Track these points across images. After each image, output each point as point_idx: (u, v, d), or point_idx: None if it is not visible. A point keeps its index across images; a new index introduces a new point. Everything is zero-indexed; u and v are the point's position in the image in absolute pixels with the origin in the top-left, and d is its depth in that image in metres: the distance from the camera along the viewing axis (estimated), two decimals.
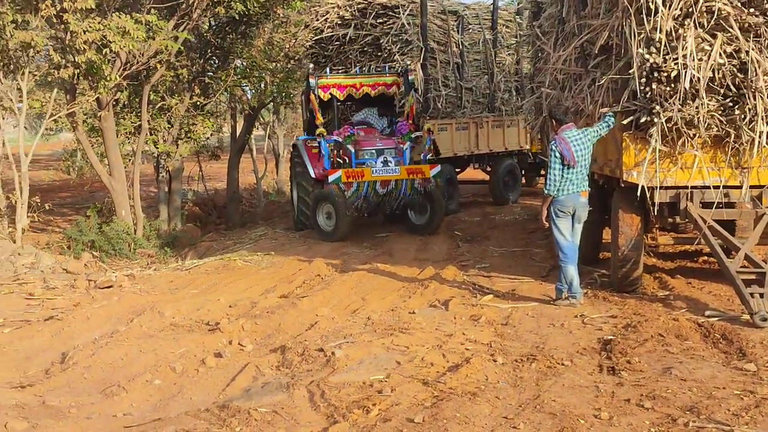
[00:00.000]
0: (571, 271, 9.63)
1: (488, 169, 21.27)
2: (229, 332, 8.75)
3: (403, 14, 18.21)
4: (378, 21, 18.57)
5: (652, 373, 7.00)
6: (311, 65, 17.43)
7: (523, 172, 22.58)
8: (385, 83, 16.82)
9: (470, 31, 19.99)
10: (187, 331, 8.98)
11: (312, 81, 16.17)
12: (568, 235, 9.66)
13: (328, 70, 17.69)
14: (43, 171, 35.26)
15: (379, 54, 18.47)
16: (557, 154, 9.41)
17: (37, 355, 8.45)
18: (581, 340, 8.19)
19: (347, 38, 18.82)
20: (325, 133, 15.49)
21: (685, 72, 8.80)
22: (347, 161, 15.42)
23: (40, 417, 6.41)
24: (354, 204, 15.45)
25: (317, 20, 19.34)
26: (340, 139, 15.71)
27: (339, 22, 19.02)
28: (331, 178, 15.07)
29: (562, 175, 9.43)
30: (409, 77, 16.37)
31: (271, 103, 22.73)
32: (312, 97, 16.04)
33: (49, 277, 12.36)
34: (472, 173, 22.27)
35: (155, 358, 8.03)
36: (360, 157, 15.54)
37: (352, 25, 18.80)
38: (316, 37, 19.29)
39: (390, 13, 18.45)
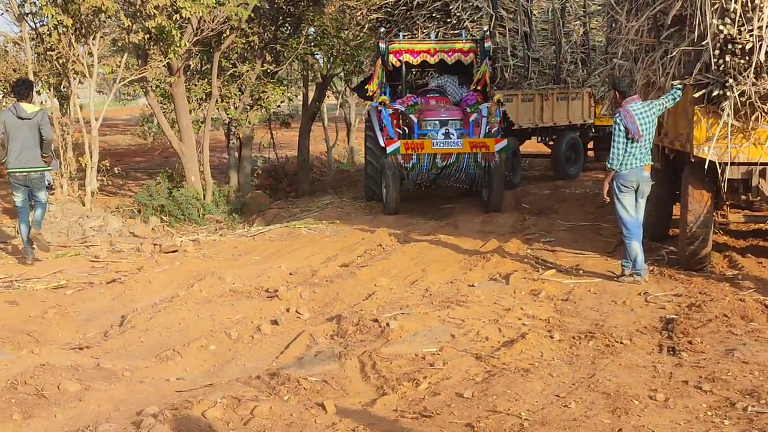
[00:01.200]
0: (635, 246, 9.40)
1: (550, 142, 20.78)
2: (287, 300, 8.76)
3: None
4: None
5: (714, 355, 6.79)
6: (382, 30, 16.84)
7: (592, 146, 22.17)
8: (462, 50, 16.04)
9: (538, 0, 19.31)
10: (246, 297, 9.01)
11: (382, 46, 15.73)
12: (632, 210, 9.43)
13: (400, 35, 17.17)
14: (120, 135, 35.89)
15: (448, 20, 17.76)
16: (622, 128, 9.16)
17: (97, 318, 8.59)
18: (642, 318, 7.99)
19: (414, 3, 18.00)
20: (387, 102, 14.97)
21: (761, 44, 8.49)
22: (407, 131, 14.86)
23: (93, 379, 6.48)
24: (413, 178, 14.94)
25: None
26: (403, 108, 15.12)
27: None
28: (389, 149, 14.43)
29: (626, 149, 9.20)
30: (485, 44, 15.69)
31: (343, 72, 22.64)
32: (378, 62, 15.60)
33: (116, 241, 12.55)
34: (532, 146, 21.82)
35: (212, 324, 8.08)
36: (423, 128, 14.88)
37: None
38: (382, 2, 18.49)
39: None
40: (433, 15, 17.96)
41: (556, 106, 19.54)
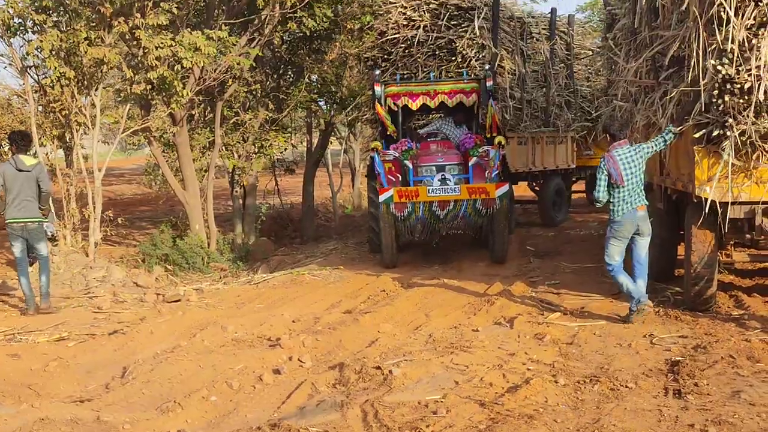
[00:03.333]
0: (623, 279, 9.47)
1: (536, 188, 20.40)
2: (290, 348, 8.71)
3: (479, 17, 16.83)
4: (452, 23, 17.13)
5: (720, 397, 6.71)
6: (378, 71, 16.00)
7: (585, 188, 22.21)
8: (463, 90, 15.20)
9: (532, 40, 18.82)
10: (248, 346, 8.97)
11: (378, 89, 14.96)
12: (617, 257, 9.53)
13: (398, 76, 16.56)
14: (125, 185, 36.01)
15: (453, 58, 17.04)
16: (605, 172, 9.34)
17: (98, 370, 8.52)
18: (648, 361, 7.91)
19: (415, 41, 17.18)
20: (380, 147, 14.23)
21: (759, 83, 8.48)
22: (400, 178, 14.07)
23: None
24: (409, 227, 14.07)
25: (377, 21, 17.87)
26: (397, 154, 14.34)
27: (404, 23, 17.38)
28: (382, 198, 13.51)
29: (612, 194, 9.34)
30: (488, 84, 14.87)
31: (346, 118, 22.67)
32: (378, 107, 14.89)
33: (119, 291, 12.53)
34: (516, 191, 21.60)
35: (213, 374, 8.02)
36: (419, 174, 14.03)
37: (421, 26, 17.17)
38: (381, 40, 17.65)
39: (466, 14, 17.06)
40: (436, 53, 17.26)
41: (545, 149, 19.13)
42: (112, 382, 8.07)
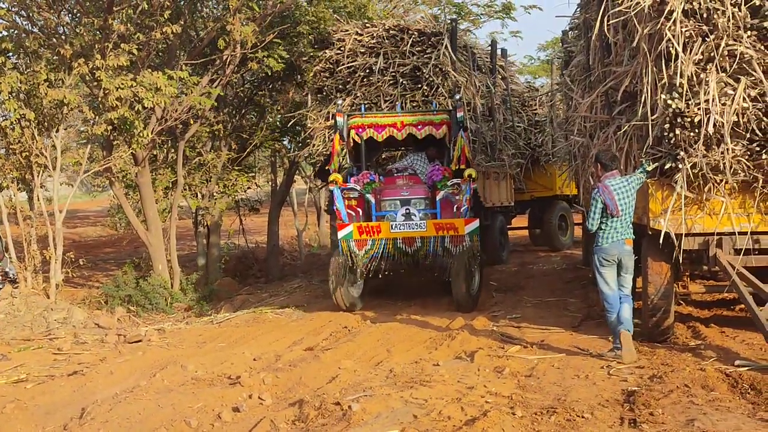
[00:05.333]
0: (614, 320, 9.42)
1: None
2: (250, 386, 8.68)
3: (443, 43, 16.20)
4: (415, 49, 16.43)
5: (674, 425, 6.77)
6: (340, 102, 15.21)
7: (528, 224, 22.38)
8: (432, 122, 14.05)
9: (479, 72, 18.02)
10: (208, 385, 8.93)
11: (340, 120, 13.94)
12: (613, 284, 9.48)
13: (362, 107, 15.62)
14: (90, 227, 35.82)
15: (418, 86, 16.25)
16: (599, 204, 9.23)
17: (57, 411, 8.44)
18: (605, 391, 7.98)
19: (376, 69, 16.35)
20: (339, 181, 13.36)
21: (709, 117, 8.68)
22: (361, 213, 13.45)
23: None
24: (370, 266, 13.13)
25: (330, 49, 17.00)
26: (358, 187, 13.57)
27: (362, 51, 16.65)
28: (341, 234, 12.90)
29: (606, 224, 9.30)
30: (458, 114, 13.66)
31: (310, 156, 22.68)
32: (336, 138, 13.86)
33: (80, 332, 12.46)
34: None
35: (172, 413, 7.97)
36: (382, 209, 13.38)
37: (381, 53, 16.47)
38: (336, 68, 16.81)
39: (429, 41, 16.45)
40: (399, 81, 16.40)
41: (491, 185, 18.09)
42: (70, 423, 8.00)
